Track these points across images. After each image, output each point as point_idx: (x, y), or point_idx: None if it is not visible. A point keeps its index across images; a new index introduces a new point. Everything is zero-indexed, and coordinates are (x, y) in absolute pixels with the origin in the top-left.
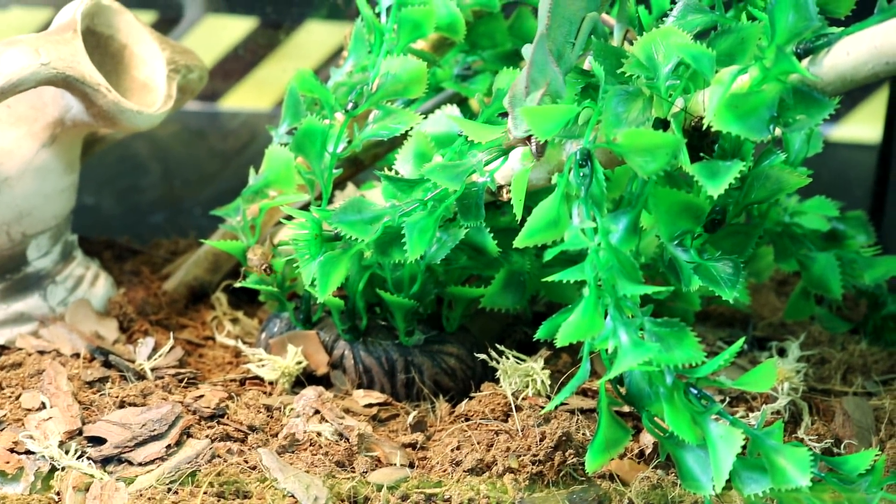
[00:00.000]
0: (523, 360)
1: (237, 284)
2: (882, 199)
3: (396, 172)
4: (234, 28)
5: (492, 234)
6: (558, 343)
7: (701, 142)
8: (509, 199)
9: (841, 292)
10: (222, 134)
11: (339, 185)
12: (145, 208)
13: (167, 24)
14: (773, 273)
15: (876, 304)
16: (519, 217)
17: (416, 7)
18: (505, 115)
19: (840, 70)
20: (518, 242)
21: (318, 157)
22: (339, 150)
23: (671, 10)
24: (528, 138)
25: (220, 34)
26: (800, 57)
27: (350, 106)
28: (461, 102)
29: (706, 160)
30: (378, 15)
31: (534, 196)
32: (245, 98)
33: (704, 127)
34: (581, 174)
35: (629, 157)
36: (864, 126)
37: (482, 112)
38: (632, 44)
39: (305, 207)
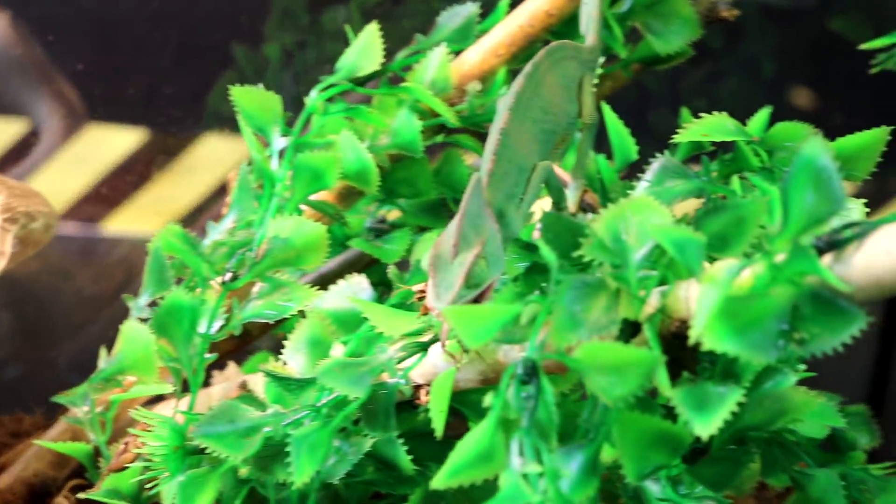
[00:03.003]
0: None
1: (82, 496)
2: (883, 386)
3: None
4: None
5: (406, 441)
6: None
7: (682, 353)
8: (428, 402)
9: None
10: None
11: (221, 360)
12: None
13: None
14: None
15: None
16: (440, 433)
17: (317, 152)
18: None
19: (876, 273)
20: (438, 482)
21: (186, 339)
22: (213, 331)
23: (644, 173)
24: None
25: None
26: (821, 251)
27: (228, 277)
28: (372, 263)
29: (691, 382)
30: (269, 157)
31: (462, 396)
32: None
33: (691, 339)
34: (523, 394)
35: (589, 376)
36: None
37: (396, 290)
38: (588, 209)
39: None
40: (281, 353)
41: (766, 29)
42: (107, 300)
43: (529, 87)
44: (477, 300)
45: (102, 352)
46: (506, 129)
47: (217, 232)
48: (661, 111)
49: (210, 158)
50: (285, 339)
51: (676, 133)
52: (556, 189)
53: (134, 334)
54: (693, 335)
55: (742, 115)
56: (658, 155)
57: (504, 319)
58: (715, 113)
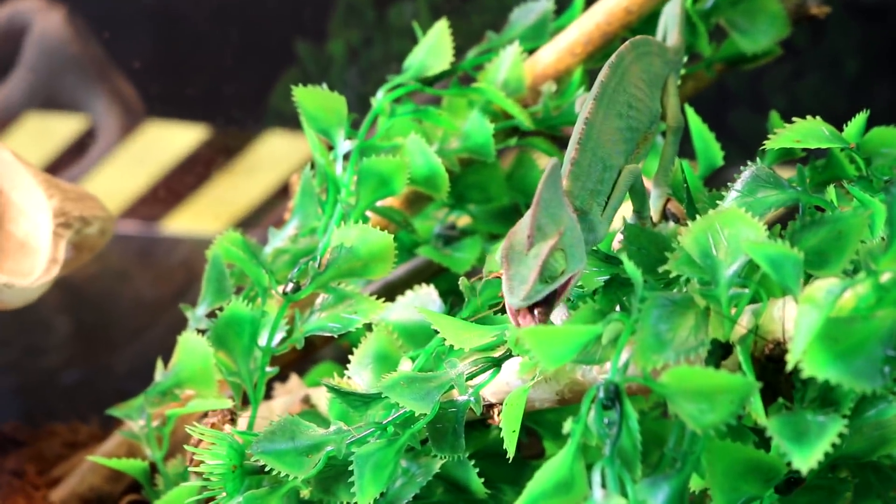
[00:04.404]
0: None
1: None
2: None
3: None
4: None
5: (477, 461)
6: None
7: (777, 377)
8: (501, 422)
9: None
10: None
11: (283, 371)
12: (50, 372)
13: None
14: None
15: None
16: (511, 453)
17: (384, 156)
18: (498, 307)
19: None
20: None
21: (246, 352)
22: (274, 344)
23: (726, 177)
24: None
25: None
26: None
27: (290, 287)
28: (441, 271)
29: (787, 410)
30: (333, 161)
31: (537, 416)
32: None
33: (789, 365)
34: (605, 420)
35: (677, 402)
36: None
37: (467, 303)
38: (670, 218)
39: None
40: (345, 364)
41: (849, 25)
42: (167, 304)
43: (615, 78)
44: (553, 296)
45: (159, 364)
46: (591, 120)
47: (279, 239)
48: (741, 110)
49: (272, 157)
50: (350, 349)
51: (757, 134)
52: (640, 195)
53: (192, 346)
54: (791, 360)
55: (824, 115)
56: (750, 163)
57: (584, 340)
58: (809, 118)
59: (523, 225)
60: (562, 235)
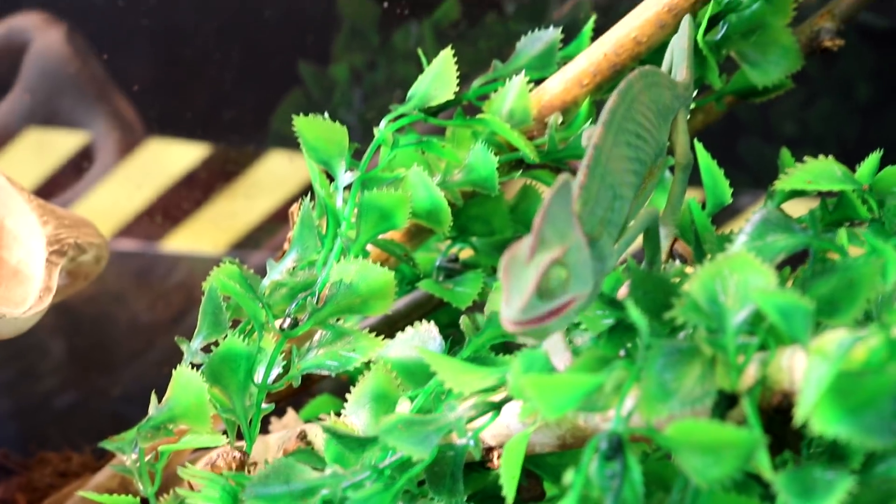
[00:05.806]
0: None
1: None
2: None
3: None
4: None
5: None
6: None
7: (784, 429)
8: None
9: None
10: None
11: (280, 405)
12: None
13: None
14: None
15: None
16: (510, 500)
17: (385, 189)
18: (502, 348)
19: None
20: None
21: (241, 389)
22: (270, 380)
23: (735, 210)
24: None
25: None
26: None
27: (287, 323)
28: (442, 304)
29: (795, 464)
30: (334, 193)
31: (537, 459)
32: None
33: (798, 421)
34: (607, 471)
35: (682, 455)
36: None
37: (468, 342)
38: (677, 258)
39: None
40: (343, 396)
41: (861, 51)
42: (164, 326)
43: (623, 105)
44: (550, 315)
45: (153, 398)
46: (599, 145)
47: (276, 271)
48: (750, 140)
49: (273, 179)
50: (349, 381)
51: (767, 164)
52: (654, 243)
53: (186, 381)
54: (800, 415)
55: (835, 142)
56: (761, 206)
57: (586, 390)
58: (822, 157)
59: (527, 237)
60: (566, 252)
